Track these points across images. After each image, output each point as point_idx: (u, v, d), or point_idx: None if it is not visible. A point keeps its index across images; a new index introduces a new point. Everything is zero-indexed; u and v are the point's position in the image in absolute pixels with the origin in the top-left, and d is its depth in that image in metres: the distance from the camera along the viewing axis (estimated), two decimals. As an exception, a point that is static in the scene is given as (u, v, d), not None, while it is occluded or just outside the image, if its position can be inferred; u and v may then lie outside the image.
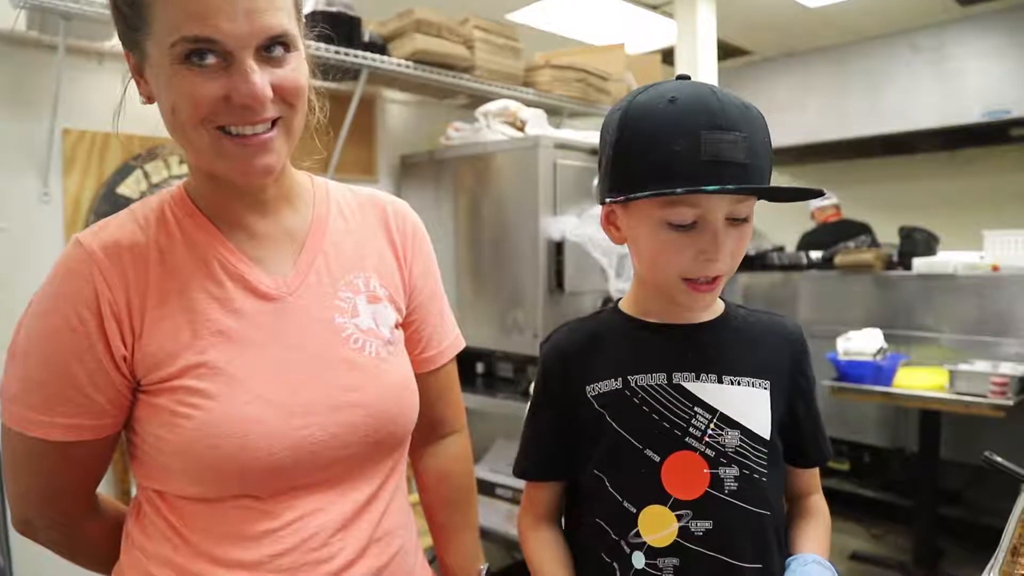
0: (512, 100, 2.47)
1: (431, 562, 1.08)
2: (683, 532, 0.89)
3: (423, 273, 1.03)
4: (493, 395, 2.39)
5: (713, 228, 0.85)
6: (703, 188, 0.81)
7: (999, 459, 1.33)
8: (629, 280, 2.20)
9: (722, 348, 0.95)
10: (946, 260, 3.49)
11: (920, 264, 3.52)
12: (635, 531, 0.91)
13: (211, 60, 0.76)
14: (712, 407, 0.91)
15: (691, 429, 0.91)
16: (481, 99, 2.57)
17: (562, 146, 2.25)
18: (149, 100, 0.84)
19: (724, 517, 0.90)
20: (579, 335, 1.01)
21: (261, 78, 0.78)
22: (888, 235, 4.10)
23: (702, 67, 3.88)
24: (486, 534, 2.35)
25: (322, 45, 1.96)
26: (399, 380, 0.94)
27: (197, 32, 0.74)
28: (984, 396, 2.79)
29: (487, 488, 2.41)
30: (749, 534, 0.91)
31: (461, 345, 1.10)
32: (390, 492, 0.94)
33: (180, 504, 0.85)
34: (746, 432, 0.91)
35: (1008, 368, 2.92)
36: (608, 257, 2.20)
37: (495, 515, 2.40)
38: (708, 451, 0.90)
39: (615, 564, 0.93)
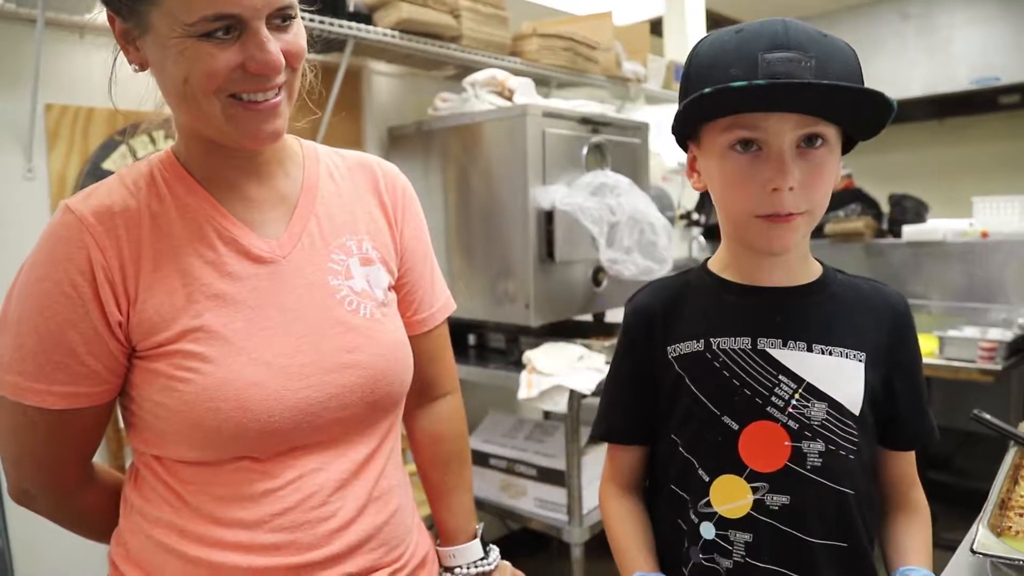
0: (500, 70, 2.45)
1: (428, 528, 1.09)
2: (758, 505, 0.86)
3: (414, 235, 1.04)
4: (485, 366, 2.39)
5: (778, 153, 0.80)
6: (730, 85, 0.76)
7: (988, 416, 1.35)
8: (620, 249, 2.22)
9: (815, 314, 0.89)
10: (935, 227, 3.50)
11: (910, 232, 3.53)
12: (706, 500, 0.88)
13: (228, 34, 0.77)
14: (799, 376, 0.86)
15: (773, 398, 0.86)
16: (468, 69, 2.54)
17: (550, 115, 2.23)
18: (141, 68, 0.84)
19: (804, 493, 0.85)
20: (663, 293, 0.98)
21: (275, 46, 0.79)
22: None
23: (691, 37, 3.86)
24: (480, 504, 2.36)
25: (306, 15, 1.93)
26: (394, 341, 0.95)
27: (218, 10, 0.75)
28: (973, 361, 2.81)
29: (481, 459, 2.42)
30: (830, 513, 0.86)
31: (452, 307, 1.11)
32: (387, 452, 0.96)
33: (178, 468, 0.86)
34: (834, 405, 0.86)
35: (997, 333, 2.94)
36: (598, 226, 2.19)
37: (489, 485, 2.41)
38: (791, 423, 0.86)
39: (687, 531, 0.91)
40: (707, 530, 0.89)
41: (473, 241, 2.35)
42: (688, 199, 3.76)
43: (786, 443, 0.86)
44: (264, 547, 0.84)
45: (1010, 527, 1.08)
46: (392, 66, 2.70)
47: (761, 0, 4.80)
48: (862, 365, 0.88)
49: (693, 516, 0.89)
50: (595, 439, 1.04)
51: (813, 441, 0.86)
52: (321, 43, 2.17)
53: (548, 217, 2.21)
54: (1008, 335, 2.91)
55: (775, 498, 0.86)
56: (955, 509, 3.61)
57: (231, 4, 0.75)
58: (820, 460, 0.86)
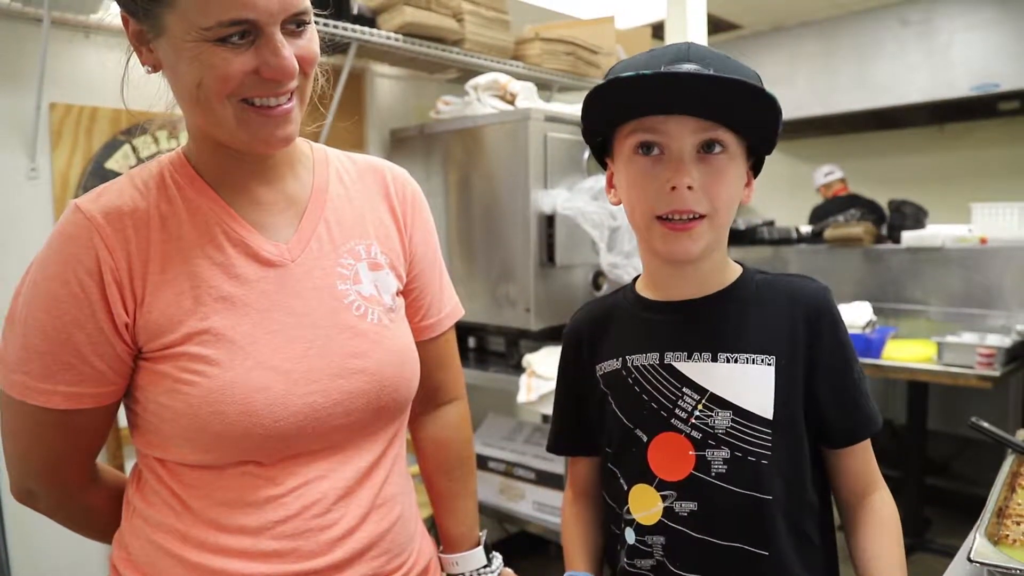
0: (502, 73, 2.45)
1: (430, 532, 1.09)
2: (668, 512, 0.90)
3: (423, 240, 1.03)
4: (485, 369, 2.40)
5: (677, 154, 0.84)
6: (620, 75, 0.81)
7: (985, 424, 1.35)
8: (620, 253, 2.22)
9: (722, 324, 0.92)
10: (935, 233, 3.50)
11: (909, 237, 3.53)
12: (627, 507, 0.94)
13: (243, 39, 0.77)
14: (702, 387, 0.89)
15: (677, 410, 0.90)
16: (471, 73, 2.55)
17: (552, 119, 2.24)
18: (154, 69, 0.84)
19: (711, 499, 0.88)
20: (594, 314, 1.03)
21: (289, 52, 0.79)
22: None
23: (692, 41, 3.85)
24: (479, 507, 2.36)
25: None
26: (401, 347, 0.95)
27: (235, 15, 0.75)
28: (971, 367, 2.81)
29: (480, 462, 2.42)
30: (743, 518, 0.88)
31: (460, 313, 1.11)
32: (391, 459, 0.95)
33: (182, 471, 0.85)
34: (740, 412, 0.88)
35: (995, 339, 2.94)
36: (599, 230, 2.19)
37: (488, 488, 2.41)
38: (695, 432, 0.89)
39: (620, 536, 0.96)
40: (629, 535, 0.93)
41: (474, 244, 2.35)
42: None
43: (690, 452, 0.89)
44: (266, 554, 0.83)
45: (1007, 535, 1.08)
46: (395, 69, 2.71)
47: (761, 5, 4.81)
48: (771, 368, 0.89)
49: (621, 523, 0.95)
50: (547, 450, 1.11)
51: (717, 449, 0.88)
52: (324, 45, 2.17)
53: (549, 221, 2.21)
54: (1006, 341, 2.91)
55: (683, 505, 0.89)
56: (953, 514, 3.63)
57: (247, 9, 0.75)
58: (725, 467, 0.88)
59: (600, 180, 2.28)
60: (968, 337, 3.01)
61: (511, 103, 2.38)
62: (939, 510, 3.39)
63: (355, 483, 0.89)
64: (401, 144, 2.59)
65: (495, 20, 2.53)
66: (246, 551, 0.83)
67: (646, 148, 0.86)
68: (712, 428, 0.88)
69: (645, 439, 0.91)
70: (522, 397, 2.15)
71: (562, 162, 2.26)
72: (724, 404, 0.89)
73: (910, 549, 0.87)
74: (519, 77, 2.51)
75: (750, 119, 0.85)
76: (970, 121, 5.13)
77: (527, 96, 2.40)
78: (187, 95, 0.81)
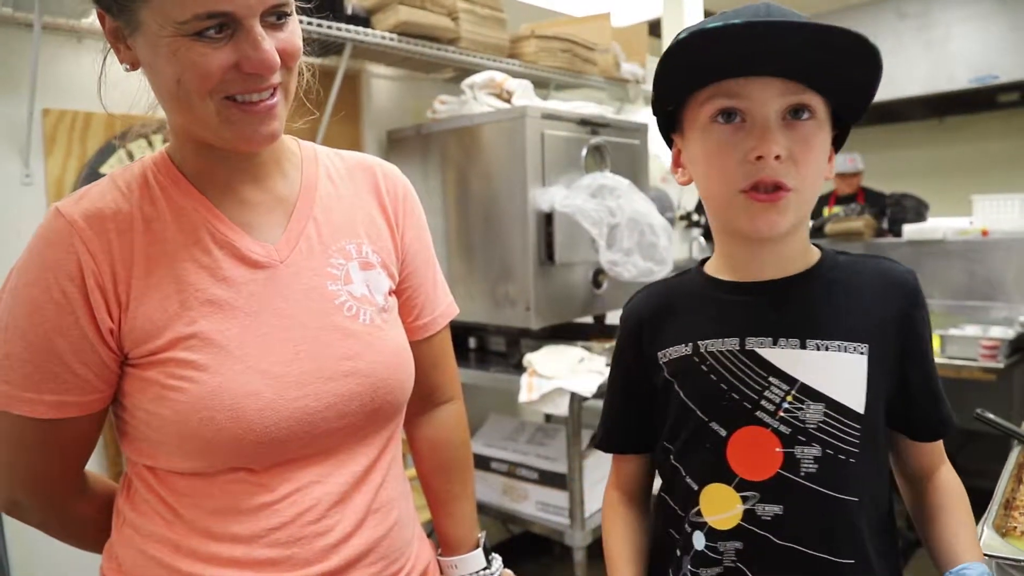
0: (498, 72, 2.44)
1: (429, 536, 1.07)
2: (748, 516, 0.81)
3: (415, 238, 1.01)
4: (486, 369, 2.39)
5: (762, 121, 0.76)
6: (704, 26, 0.72)
7: (991, 416, 1.34)
8: (620, 251, 2.21)
9: (809, 307, 0.83)
10: (936, 226, 3.49)
11: (910, 230, 3.52)
12: (696, 510, 0.84)
13: (221, 32, 0.75)
14: (791, 377, 0.81)
15: (763, 402, 0.81)
16: (467, 72, 2.54)
17: (549, 116, 2.23)
18: (133, 67, 0.82)
19: (798, 503, 0.79)
20: (656, 297, 0.94)
21: (270, 45, 0.77)
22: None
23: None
24: (481, 508, 2.36)
25: (304, 17, 1.93)
26: (394, 348, 0.93)
27: (211, 8, 0.73)
28: (975, 360, 2.81)
29: (482, 462, 2.41)
30: (829, 523, 0.80)
31: (455, 312, 1.09)
32: (387, 462, 0.93)
33: (172, 479, 0.83)
34: (833, 405, 0.80)
35: (998, 332, 2.94)
36: (598, 227, 2.18)
37: (491, 489, 2.40)
38: (783, 427, 0.80)
39: (680, 541, 0.87)
40: (698, 540, 0.84)
41: (473, 244, 2.34)
42: (688, 200, 3.75)
43: (777, 449, 0.80)
44: (260, 563, 0.81)
45: (1015, 527, 1.07)
46: (391, 69, 2.70)
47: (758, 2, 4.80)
48: (864, 358, 0.81)
49: (687, 526, 0.86)
50: (595, 447, 1.01)
51: (808, 446, 0.80)
52: (319, 46, 2.17)
53: (548, 219, 2.20)
54: (1009, 333, 2.90)
55: (767, 508, 0.80)
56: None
57: (224, 1, 0.73)
58: (816, 466, 0.80)
59: (598, 178, 2.27)
60: (971, 330, 3.00)
61: (508, 101, 2.37)
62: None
63: (350, 488, 0.87)
64: (398, 145, 2.58)
65: (490, 18, 2.52)
66: (239, 560, 0.81)
67: (726, 115, 0.78)
68: (803, 423, 0.80)
69: (724, 433, 0.82)
70: (523, 397, 2.14)
71: (560, 160, 2.25)
72: (816, 396, 0.80)
73: (917, 543, 0.86)
74: (515, 75, 2.50)
75: (844, 80, 0.77)
76: (970, 114, 5.12)
77: (524, 94, 2.38)
78: (167, 93, 0.79)
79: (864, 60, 0.75)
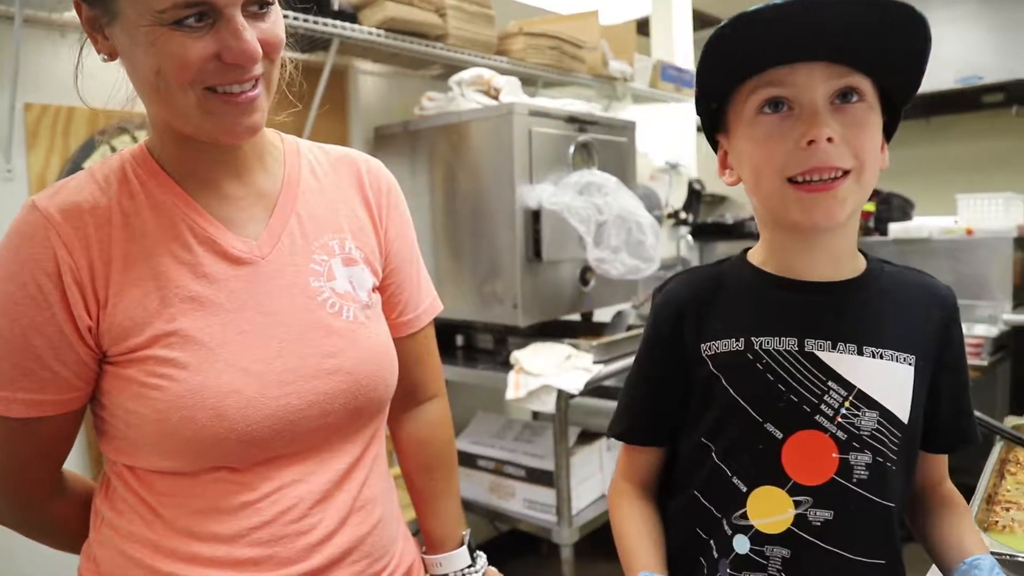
0: (486, 68, 2.44)
1: (414, 534, 1.07)
2: (799, 520, 0.79)
3: (399, 234, 1.00)
4: (473, 366, 2.38)
5: (811, 107, 0.74)
6: (744, 12, 0.69)
7: (975, 412, 1.35)
8: (607, 248, 2.21)
9: (865, 313, 0.82)
10: (921, 225, 3.52)
11: (896, 229, 3.55)
12: (742, 512, 0.82)
13: (203, 22, 0.73)
14: (849, 383, 0.80)
15: (823, 406, 0.79)
16: (455, 69, 2.52)
17: (537, 114, 2.22)
18: (110, 57, 0.80)
19: (848, 508, 0.79)
20: (698, 284, 0.90)
21: (251, 35, 0.75)
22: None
23: (677, 37, 3.86)
24: (469, 506, 2.35)
25: (290, 13, 1.92)
26: (378, 345, 0.92)
27: None
28: (959, 357, 2.83)
29: (469, 460, 2.40)
30: (873, 528, 0.80)
31: (439, 308, 1.08)
32: (371, 460, 0.93)
33: (152, 478, 0.82)
34: (885, 414, 0.80)
35: (982, 329, 2.96)
36: (586, 225, 2.18)
37: (477, 487, 2.40)
38: (840, 433, 0.79)
39: (712, 542, 0.85)
40: (741, 544, 0.82)
41: (460, 241, 2.33)
42: (675, 198, 3.76)
43: (834, 455, 0.79)
44: (241, 562, 0.80)
45: (997, 522, 1.08)
46: (378, 65, 2.69)
47: (746, 2, 4.82)
48: (912, 369, 0.81)
49: (727, 527, 0.83)
50: (611, 437, 0.95)
51: (861, 452, 0.79)
52: (306, 42, 2.15)
53: (535, 216, 2.20)
54: (993, 331, 2.93)
55: (818, 513, 0.79)
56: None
57: None
58: (867, 473, 0.79)
59: (586, 176, 2.26)
60: (956, 328, 3.02)
61: (495, 98, 2.36)
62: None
63: (333, 486, 0.86)
64: (385, 141, 2.57)
65: (478, 15, 2.51)
66: (221, 560, 0.80)
67: (773, 105, 0.76)
68: (858, 429, 0.79)
69: (780, 435, 0.80)
70: (510, 394, 2.13)
71: (547, 157, 2.25)
72: (872, 404, 0.80)
73: (902, 539, 0.86)
74: (503, 72, 2.49)
75: (892, 57, 0.75)
76: (955, 114, 5.15)
77: (511, 91, 2.38)
78: (146, 84, 0.77)
79: (913, 32, 0.73)
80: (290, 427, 0.82)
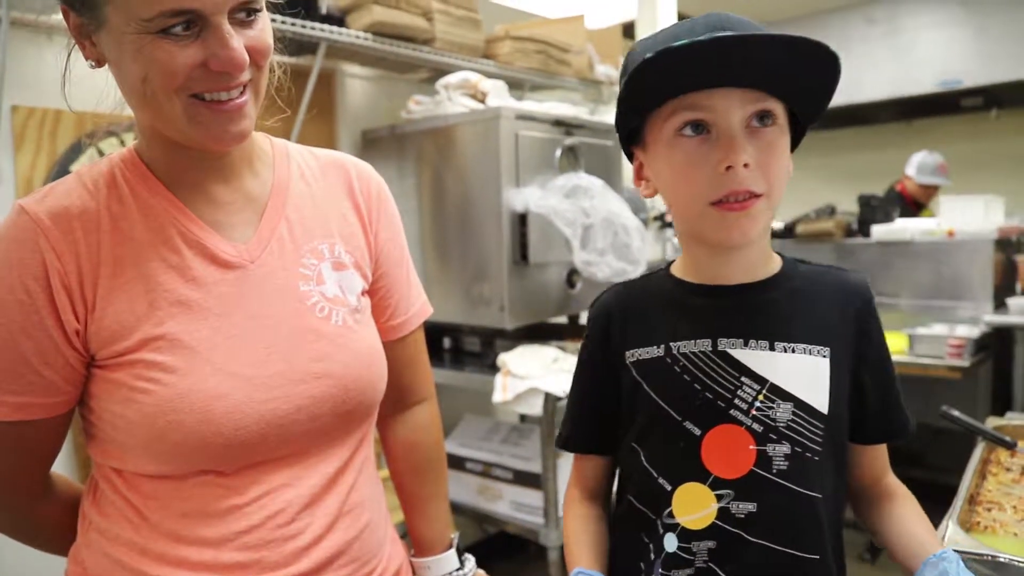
0: (472, 72, 2.44)
1: (403, 536, 1.07)
2: (722, 514, 0.81)
3: (389, 238, 1.01)
4: (461, 369, 2.39)
5: (727, 131, 0.77)
6: (671, 45, 0.72)
7: (956, 413, 1.37)
8: (594, 251, 2.22)
9: (776, 311, 0.85)
10: (903, 227, 3.56)
11: (879, 231, 3.58)
12: (668, 511, 0.84)
13: (188, 30, 0.73)
14: (762, 377, 0.82)
15: (736, 401, 0.82)
16: (442, 72, 2.53)
17: (523, 117, 2.23)
18: (98, 64, 0.80)
19: (770, 499, 0.81)
20: (625, 297, 0.94)
21: (238, 43, 0.75)
22: (847, 203, 4.16)
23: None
24: (457, 508, 2.35)
25: (278, 17, 1.92)
26: (367, 349, 0.92)
27: (177, 5, 0.71)
28: (942, 358, 2.86)
29: (457, 462, 2.41)
30: (798, 519, 0.82)
31: (429, 312, 1.08)
32: (359, 464, 0.93)
33: (139, 482, 0.82)
34: (800, 405, 0.82)
35: (964, 330, 3.00)
36: (572, 228, 2.19)
37: (466, 489, 2.40)
38: (755, 425, 0.82)
39: (651, 545, 0.86)
40: (670, 542, 0.84)
41: (447, 244, 2.34)
42: (661, 201, 3.78)
43: (751, 447, 0.81)
44: (229, 566, 0.80)
45: (979, 522, 1.10)
46: (365, 69, 2.69)
47: (730, 5, 4.86)
48: (827, 361, 0.84)
49: (660, 528, 0.85)
50: (557, 447, 0.99)
51: (779, 444, 0.81)
52: (293, 46, 2.15)
53: (522, 219, 2.21)
54: (975, 332, 2.96)
55: (741, 506, 0.81)
56: (928, 504, 3.66)
57: None
58: (786, 463, 0.81)
59: (572, 179, 2.27)
60: (938, 328, 3.06)
61: (482, 102, 2.37)
62: (917, 500, 3.43)
63: (321, 490, 0.86)
64: (373, 144, 2.57)
65: (465, 19, 2.52)
66: (208, 563, 0.80)
67: (694, 127, 0.79)
68: (773, 421, 0.82)
69: (698, 432, 0.83)
70: (497, 397, 2.14)
71: (534, 160, 2.26)
72: (785, 396, 0.82)
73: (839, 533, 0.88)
74: (490, 76, 2.50)
75: (804, 86, 0.79)
76: (935, 117, 5.22)
77: (498, 95, 2.39)
78: (134, 91, 0.77)
79: (826, 67, 0.76)
80: (278, 431, 0.82)
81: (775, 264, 0.89)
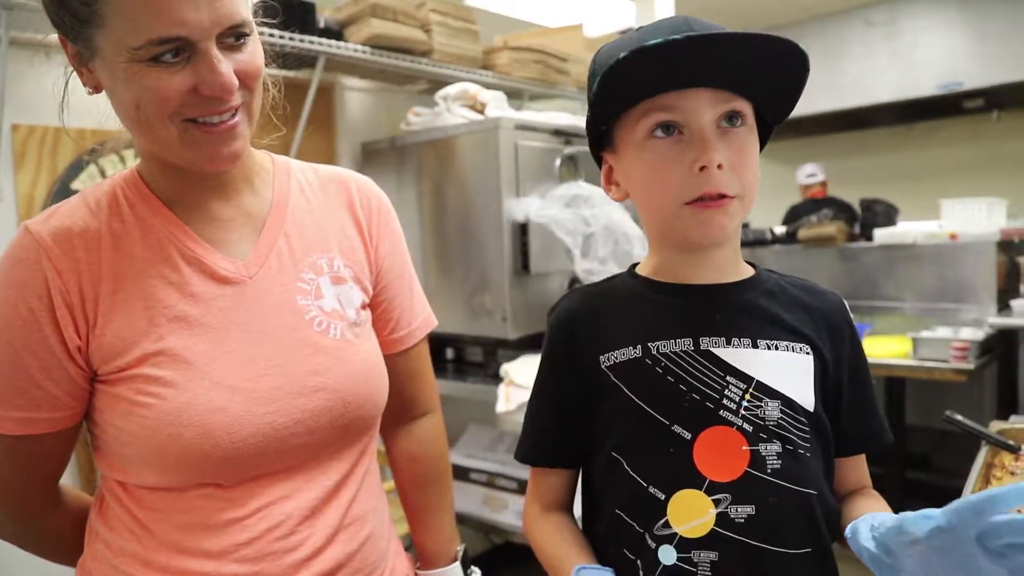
0: (471, 83, 2.45)
1: (408, 548, 1.07)
2: (721, 519, 0.78)
3: (390, 251, 1.01)
4: (464, 380, 2.39)
5: (699, 132, 0.77)
6: (644, 44, 0.71)
7: (959, 417, 1.36)
8: (595, 260, 2.22)
9: (754, 310, 0.84)
10: (906, 230, 3.55)
11: (881, 235, 3.57)
12: (663, 521, 0.79)
13: (178, 57, 0.75)
14: (747, 375, 0.80)
15: (725, 400, 0.79)
16: (440, 84, 2.54)
17: (523, 127, 2.24)
18: (96, 90, 0.82)
19: (768, 500, 0.78)
20: (589, 300, 0.91)
21: (227, 67, 0.77)
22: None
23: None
24: (462, 519, 2.35)
25: (276, 32, 1.93)
26: (366, 362, 0.92)
27: (163, 33, 0.72)
28: (946, 361, 2.85)
29: (461, 473, 2.41)
30: (797, 517, 0.79)
31: (433, 324, 1.08)
32: (360, 476, 0.93)
33: (142, 494, 0.84)
34: (787, 402, 0.80)
35: (968, 333, 2.98)
36: (573, 237, 2.19)
37: (470, 500, 2.40)
38: (746, 425, 0.79)
39: (639, 562, 0.80)
40: (667, 555, 0.79)
41: (449, 255, 2.34)
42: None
43: (744, 447, 0.79)
44: None
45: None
46: (364, 81, 2.70)
47: (729, 10, 4.86)
48: (810, 358, 0.83)
49: (650, 541, 0.80)
50: (518, 460, 0.93)
51: (770, 442, 0.79)
52: (292, 60, 2.16)
53: (523, 229, 2.21)
54: (979, 334, 2.95)
55: (739, 509, 0.78)
56: (932, 506, 3.65)
57: (177, 26, 0.72)
58: (779, 462, 0.79)
59: (573, 188, 2.28)
60: (942, 332, 3.04)
61: (481, 112, 2.38)
62: (920, 503, 3.39)
63: (321, 503, 0.87)
64: (373, 157, 2.58)
65: (463, 30, 2.53)
66: (209, 575, 0.81)
67: (665, 129, 0.78)
68: (763, 420, 0.79)
69: (689, 436, 0.79)
70: (501, 407, 2.14)
71: (534, 170, 2.26)
72: (772, 393, 0.80)
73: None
74: (489, 86, 2.51)
75: (773, 85, 0.79)
76: (936, 120, 5.21)
77: (497, 105, 2.39)
78: (128, 117, 0.79)
79: (795, 66, 0.77)
80: (276, 444, 0.83)
81: (747, 269, 0.89)
